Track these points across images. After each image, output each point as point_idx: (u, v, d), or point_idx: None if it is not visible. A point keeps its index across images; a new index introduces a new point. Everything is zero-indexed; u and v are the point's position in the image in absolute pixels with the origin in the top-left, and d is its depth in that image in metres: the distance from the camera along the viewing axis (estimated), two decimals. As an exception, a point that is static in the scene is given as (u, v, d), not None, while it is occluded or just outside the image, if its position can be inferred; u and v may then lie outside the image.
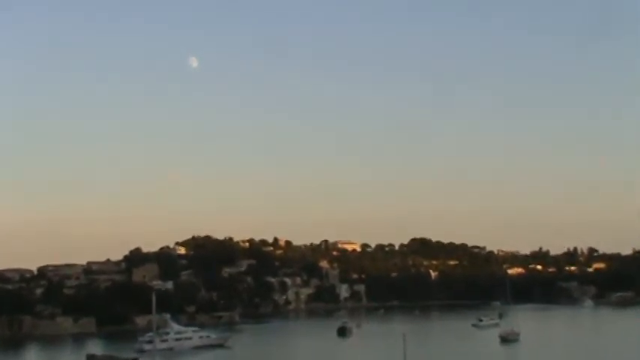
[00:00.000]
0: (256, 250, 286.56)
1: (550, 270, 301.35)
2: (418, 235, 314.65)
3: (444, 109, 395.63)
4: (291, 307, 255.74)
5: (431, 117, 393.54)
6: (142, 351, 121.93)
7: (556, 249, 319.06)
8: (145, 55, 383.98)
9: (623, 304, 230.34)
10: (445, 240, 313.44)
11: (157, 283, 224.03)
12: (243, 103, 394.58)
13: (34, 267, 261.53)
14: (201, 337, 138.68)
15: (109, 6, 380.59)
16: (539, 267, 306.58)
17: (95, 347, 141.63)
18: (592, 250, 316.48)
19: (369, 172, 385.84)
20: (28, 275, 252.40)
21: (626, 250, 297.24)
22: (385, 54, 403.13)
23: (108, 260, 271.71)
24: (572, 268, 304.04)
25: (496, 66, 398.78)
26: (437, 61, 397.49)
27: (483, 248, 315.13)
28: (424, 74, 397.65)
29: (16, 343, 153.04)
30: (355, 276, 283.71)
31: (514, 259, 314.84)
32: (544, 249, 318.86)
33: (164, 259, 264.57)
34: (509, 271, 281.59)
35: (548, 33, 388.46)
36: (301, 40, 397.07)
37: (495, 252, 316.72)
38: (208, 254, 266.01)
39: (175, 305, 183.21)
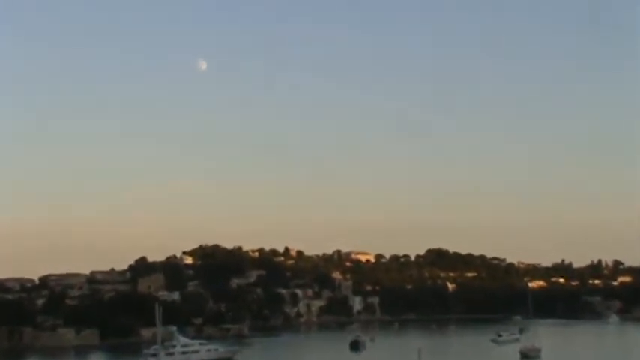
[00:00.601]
0: (266, 260, 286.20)
1: (573, 283, 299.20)
2: (435, 246, 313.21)
3: (460, 116, 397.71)
4: (303, 319, 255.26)
5: (446, 123, 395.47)
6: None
7: (579, 261, 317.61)
8: (152, 57, 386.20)
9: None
10: (463, 251, 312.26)
11: (163, 294, 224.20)
12: (253, 106, 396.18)
13: (35, 276, 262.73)
14: (208, 350, 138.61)
15: (113, 6, 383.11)
16: (561, 280, 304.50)
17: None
18: (617, 263, 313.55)
19: (384, 180, 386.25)
20: (29, 285, 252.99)
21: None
22: (397, 58, 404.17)
23: (112, 270, 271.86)
24: (597, 281, 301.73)
25: (509, 72, 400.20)
26: (441, 65, 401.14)
27: (503, 260, 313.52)
28: (432, 79, 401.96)
29: (17, 355, 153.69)
30: (369, 288, 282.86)
31: (535, 271, 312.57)
32: (567, 261, 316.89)
33: (170, 268, 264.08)
34: (530, 284, 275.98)
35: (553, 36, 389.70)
36: (313, 44, 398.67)
37: (515, 264, 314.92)
38: (216, 264, 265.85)
39: (182, 317, 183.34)
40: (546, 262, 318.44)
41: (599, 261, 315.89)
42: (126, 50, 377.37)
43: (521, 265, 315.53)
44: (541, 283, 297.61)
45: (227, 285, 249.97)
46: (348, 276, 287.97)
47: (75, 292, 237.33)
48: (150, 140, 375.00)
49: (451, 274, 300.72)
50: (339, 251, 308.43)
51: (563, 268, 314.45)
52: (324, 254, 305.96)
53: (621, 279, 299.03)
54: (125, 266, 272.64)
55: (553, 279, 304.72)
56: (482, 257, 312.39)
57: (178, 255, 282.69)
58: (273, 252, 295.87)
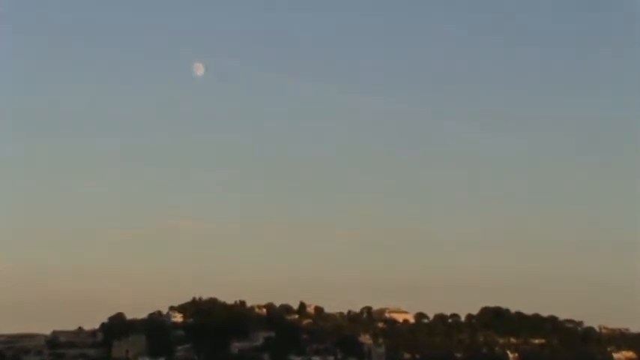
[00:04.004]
0: (276, 318, 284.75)
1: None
2: (491, 304, 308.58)
3: (531, 141, 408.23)
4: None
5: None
6: None
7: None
8: (143, 61, 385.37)
9: None
10: (528, 311, 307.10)
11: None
12: (259, 119, 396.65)
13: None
14: None
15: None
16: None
17: None
18: None
19: (428, 219, 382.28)
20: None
21: None
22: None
23: (80, 329, 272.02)
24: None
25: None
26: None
27: (580, 323, 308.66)
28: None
29: None
30: (407, 356, 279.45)
31: (622, 339, 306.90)
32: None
33: (154, 328, 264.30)
34: (615, 355, 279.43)
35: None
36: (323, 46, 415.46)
37: (596, 329, 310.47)
38: (213, 323, 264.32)
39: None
40: (636, 327, 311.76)
41: None
42: (110, 53, 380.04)
43: (604, 331, 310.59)
44: (629, 354, 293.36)
45: (226, 350, 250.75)
46: (381, 340, 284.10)
47: (32, 358, 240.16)
48: (134, 165, 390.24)
49: (512, 340, 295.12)
50: (368, 308, 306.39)
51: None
52: (349, 312, 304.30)
53: None
54: (96, 325, 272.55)
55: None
56: (552, 319, 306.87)
57: (164, 311, 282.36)
58: (286, 308, 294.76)
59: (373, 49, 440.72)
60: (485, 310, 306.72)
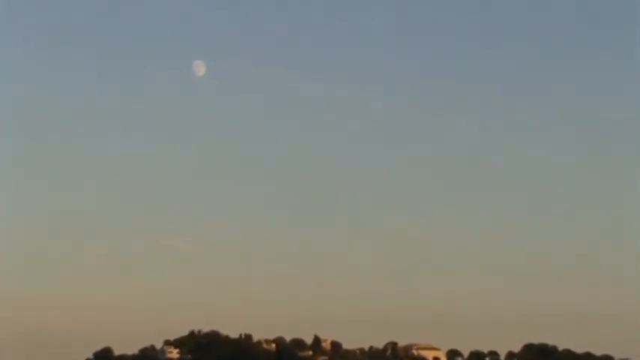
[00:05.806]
0: (287, 354, 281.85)
1: None
2: (536, 340, 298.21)
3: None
4: None
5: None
6: None
7: None
8: (140, 62, 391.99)
9: None
10: (578, 348, 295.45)
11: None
12: (265, 124, 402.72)
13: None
14: None
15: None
16: None
17: None
18: None
19: (463, 244, 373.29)
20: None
21: None
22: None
23: None
24: None
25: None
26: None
27: None
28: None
29: None
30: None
31: None
32: None
33: None
34: None
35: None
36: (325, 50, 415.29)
37: None
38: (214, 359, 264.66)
39: None
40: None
41: None
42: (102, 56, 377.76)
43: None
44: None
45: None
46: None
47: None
48: (127, 180, 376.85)
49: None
50: (393, 344, 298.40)
51: None
52: (371, 348, 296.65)
53: None
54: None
55: None
56: (606, 358, 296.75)
57: (158, 346, 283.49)
58: (298, 343, 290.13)
59: (378, 49, 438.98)
60: (529, 348, 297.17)
